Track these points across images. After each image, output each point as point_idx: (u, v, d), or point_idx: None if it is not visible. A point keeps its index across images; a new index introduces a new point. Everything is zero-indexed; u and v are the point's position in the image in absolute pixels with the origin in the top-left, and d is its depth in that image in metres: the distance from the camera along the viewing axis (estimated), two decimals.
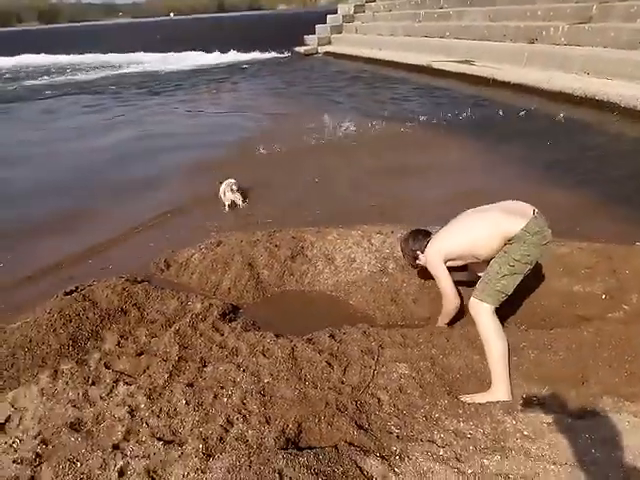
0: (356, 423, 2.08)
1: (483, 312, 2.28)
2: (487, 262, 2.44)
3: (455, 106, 8.97)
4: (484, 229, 2.37)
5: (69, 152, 7.63)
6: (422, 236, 2.72)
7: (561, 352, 2.39)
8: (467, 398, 2.20)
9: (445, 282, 2.54)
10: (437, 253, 2.53)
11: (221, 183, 4.89)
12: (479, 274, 2.64)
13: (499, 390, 2.16)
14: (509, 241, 2.29)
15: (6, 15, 76.87)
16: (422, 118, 8.20)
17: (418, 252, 2.71)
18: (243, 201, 4.91)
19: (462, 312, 2.69)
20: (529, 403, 2.13)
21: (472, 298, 2.34)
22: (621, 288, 2.90)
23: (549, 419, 2.02)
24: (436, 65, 12.68)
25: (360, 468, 1.84)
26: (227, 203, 4.85)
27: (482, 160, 5.94)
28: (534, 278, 3.04)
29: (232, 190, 4.79)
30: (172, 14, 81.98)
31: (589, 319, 2.69)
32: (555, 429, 1.97)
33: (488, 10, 14.20)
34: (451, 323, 2.75)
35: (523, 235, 2.24)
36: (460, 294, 2.62)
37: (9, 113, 11.55)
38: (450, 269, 2.58)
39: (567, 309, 2.82)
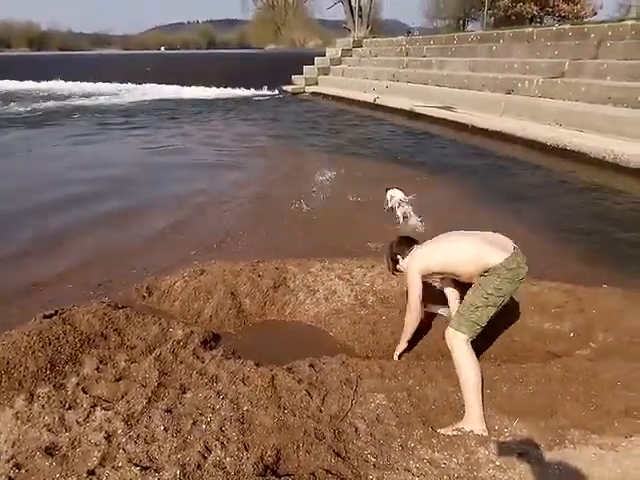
0: (334, 451, 2.11)
1: (458, 342, 2.36)
2: (461, 286, 2.55)
3: (433, 148, 9.34)
4: (467, 252, 2.45)
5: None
6: (406, 243, 2.78)
7: (531, 386, 2.48)
8: (442, 430, 2.25)
9: (414, 294, 2.59)
10: (417, 266, 2.59)
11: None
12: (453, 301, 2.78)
13: (472, 419, 2.22)
14: (485, 272, 2.39)
15: None
16: (399, 157, 8.50)
17: (399, 257, 2.76)
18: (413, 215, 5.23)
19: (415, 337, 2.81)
20: (501, 434, 2.20)
21: (448, 328, 2.43)
22: (588, 327, 3.03)
23: (520, 450, 2.09)
24: (418, 109, 13.18)
25: None
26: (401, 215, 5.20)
27: (464, 200, 6.17)
28: (508, 314, 3.16)
29: (401, 204, 5.19)
30: (163, 48, 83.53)
31: (558, 355, 2.81)
32: (525, 460, 2.04)
33: (468, 60, 14.95)
34: (409, 345, 2.82)
35: (499, 269, 2.35)
36: (421, 312, 2.73)
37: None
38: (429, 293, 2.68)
39: (538, 345, 2.93)
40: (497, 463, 2.03)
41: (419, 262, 2.60)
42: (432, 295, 3.13)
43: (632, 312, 3.15)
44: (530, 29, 14.10)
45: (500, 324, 3.07)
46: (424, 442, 2.16)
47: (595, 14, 39.86)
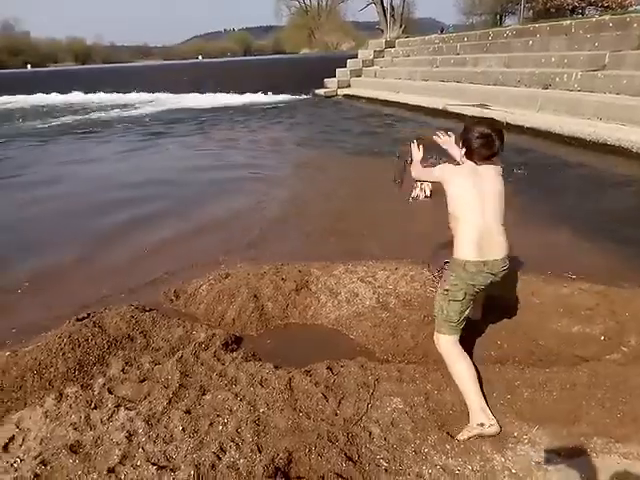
0: (346, 455, 2.11)
1: (442, 343, 2.41)
2: None
3: None
4: (465, 221, 2.35)
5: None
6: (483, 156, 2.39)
7: (555, 391, 2.39)
8: (459, 435, 2.21)
9: (429, 172, 2.66)
10: (443, 175, 2.50)
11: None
12: None
13: (475, 413, 2.20)
14: (446, 262, 2.45)
15: (44, 56, 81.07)
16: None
17: (463, 149, 2.45)
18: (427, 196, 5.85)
19: None
20: (519, 441, 2.14)
21: (434, 332, 2.48)
22: (620, 330, 2.90)
23: (538, 458, 2.03)
24: (451, 108, 12.96)
25: None
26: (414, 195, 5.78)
27: None
28: (533, 317, 3.08)
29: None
30: (200, 57, 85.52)
31: (587, 360, 2.69)
32: (543, 468, 1.97)
33: (504, 56, 14.59)
34: None
35: (456, 264, 2.35)
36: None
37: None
38: None
39: (565, 349, 2.82)
40: (513, 471, 1.98)
41: (449, 177, 2.45)
42: None
43: None
44: (568, 21, 13.62)
45: (524, 327, 3.00)
46: (438, 448, 2.13)
47: None
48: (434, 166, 2.66)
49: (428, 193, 5.86)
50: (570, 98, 10.32)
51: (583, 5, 38.90)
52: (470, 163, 2.42)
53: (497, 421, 2.20)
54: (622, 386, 2.38)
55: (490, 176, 2.41)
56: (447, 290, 2.38)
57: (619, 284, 3.57)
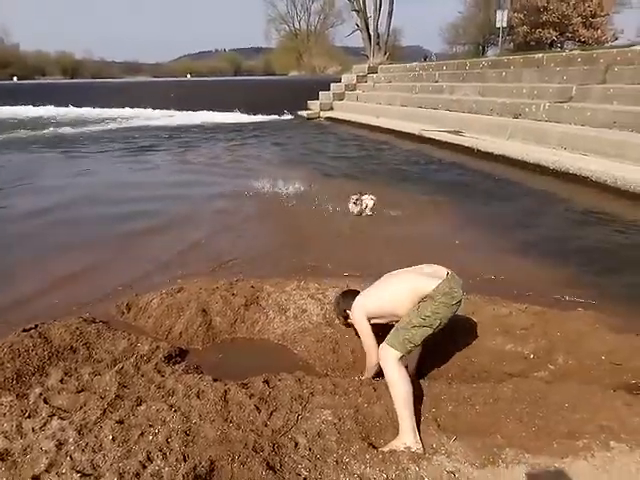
0: (268, 464, 2.16)
1: (390, 357, 2.41)
2: None
3: (434, 171, 9.42)
4: (401, 289, 2.56)
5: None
6: (351, 296, 2.86)
7: (478, 405, 2.48)
8: (382, 448, 2.28)
9: (366, 337, 2.67)
10: (360, 309, 2.70)
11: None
12: None
13: (404, 433, 2.25)
14: (423, 299, 2.46)
15: (32, 69, 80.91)
16: (395, 178, 8.59)
17: (348, 312, 2.84)
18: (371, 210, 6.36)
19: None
20: (437, 452, 2.21)
21: (382, 344, 2.49)
22: (550, 349, 3.02)
23: (451, 468, 2.11)
24: (426, 134, 13.30)
25: None
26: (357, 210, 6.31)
27: (456, 222, 6.19)
28: (469, 335, 3.19)
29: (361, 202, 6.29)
30: (189, 75, 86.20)
31: (514, 376, 2.79)
32: (454, 477, 2.05)
33: (479, 86, 15.07)
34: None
35: (434, 294, 2.43)
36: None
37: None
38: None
39: (495, 366, 2.93)
40: (426, 479, 2.05)
41: (360, 309, 2.71)
42: None
43: (597, 336, 3.13)
44: (540, 55, 14.16)
45: (459, 345, 3.10)
46: (359, 457, 2.19)
47: (616, 39, 39.80)
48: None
49: (370, 206, 6.38)
50: (538, 128, 10.69)
51: (562, 40, 40.50)
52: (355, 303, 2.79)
53: (421, 440, 2.27)
54: (541, 402, 2.48)
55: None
56: (427, 316, 2.42)
57: (560, 305, 3.72)
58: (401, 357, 2.42)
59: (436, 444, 2.26)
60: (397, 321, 2.62)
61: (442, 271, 2.54)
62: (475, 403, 2.51)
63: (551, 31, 38.82)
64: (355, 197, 6.33)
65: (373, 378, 2.82)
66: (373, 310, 2.67)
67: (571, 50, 14.78)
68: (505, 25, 23.34)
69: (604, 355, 2.93)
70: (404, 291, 2.52)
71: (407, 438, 2.23)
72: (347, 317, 2.88)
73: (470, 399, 2.54)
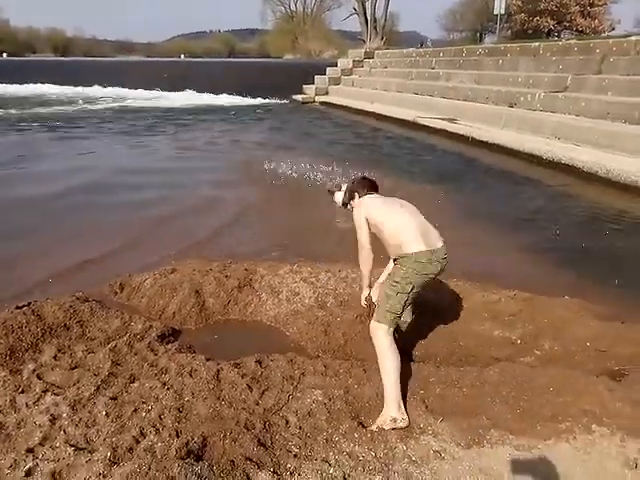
0: (259, 441, 2.21)
1: (378, 332, 2.47)
2: None
3: (427, 158, 9.44)
4: (397, 227, 2.55)
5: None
6: (367, 186, 2.85)
7: (465, 388, 2.55)
8: (371, 427, 2.34)
9: (362, 234, 2.68)
10: (361, 213, 2.70)
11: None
12: None
13: (389, 405, 2.32)
14: (398, 257, 2.52)
15: (23, 46, 79.40)
16: (389, 165, 8.61)
17: (355, 194, 2.85)
18: None
19: None
20: (424, 432, 2.27)
21: (371, 322, 2.55)
22: (537, 335, 3.09)
23: (438, 447, 2.17)
24: (421, 121, 13.28)
25: None
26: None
27: (449, 212, 6.23)
28: (458, 320, 3.25)
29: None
30: (182, 55, 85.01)
31: (501, 360, 2.86)
32: (440, 456, 2.11)
33: (475, 73, 15.02)
34: None
35: (408, 258, 2.45)
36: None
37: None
38: None
39: (483, 351, 3.00)
40: (413, 458, 2.11)
41: (365, 210, 2.70)
42: None
43: (583, 322, 3.20)
44: (537, 43, 14.12)
45: (448, 329, 3.16)
46: (348, 436, 2.24)
47: (613, 29, 39.75)
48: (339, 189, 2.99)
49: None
50: (532, 117, 10.71)
51: (559, 29, 40.38)
52: (367, 197, 2.79)
53: (408, 415, 2.33)
54: (527, 385, 2.55)
55: (390, 198, 2.81)
56: (397, 282, 2.46)
57: (548, 292, 3.79)
58: (390, 330, 2.48)
59: (424, 424, 2.32)
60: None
61: (435, 241, 2.52)
62: (462, 386, 2.57)
63: (549, 19, 38.66)
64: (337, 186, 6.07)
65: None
66: (370, 219, 2.67)
67: (568, 39, 14.77)
68: (503, 12, 23.15)
69: (589, 341, 3.00)
70: (398, 233, 2.53)
71: (392, 411, 2.30)
72: (352, 198, 2.88)
73: (458, 382, 2.60)
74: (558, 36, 36.99)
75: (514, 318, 3.28)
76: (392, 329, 2.50)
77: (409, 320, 3.15)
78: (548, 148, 8.84)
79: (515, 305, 3.43)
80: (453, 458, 2.10)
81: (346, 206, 2.99)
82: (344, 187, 2.98)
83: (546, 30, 39.32)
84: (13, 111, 17.17)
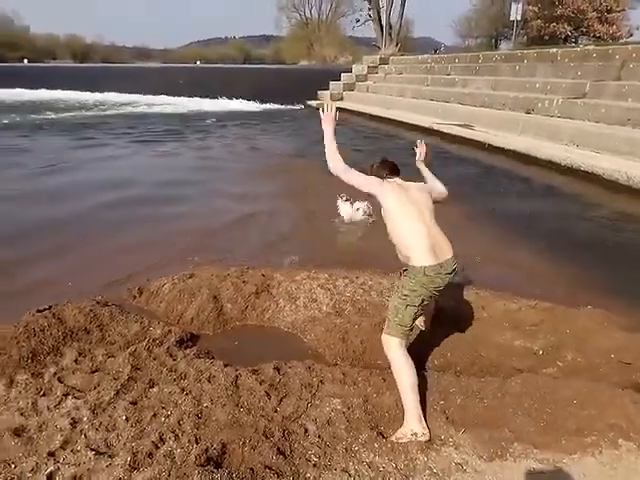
0: (278, 449, 2.19)
1: (391, 345, 2.44)
2: None
3: (443, 165, 9.40)
4: (409, 234, 2.46)
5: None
6: (388, 169, 2.72)
7: (486, 399, 2.51)
8: (390, 438, 2.31)
9: (358, 179, 2.57)
10: (378, 187, 2.55)
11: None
12: None
13: (410, 419, 2.29)
14: (405, 269, 2.48)
15: (43, 52, 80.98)
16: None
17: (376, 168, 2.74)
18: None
19: None
20: (445, 443, 2.24)
21: (382, 335, 2.52)
22: (559, 346, 3.03)
23: (459, 459, 2.14)
24: (437, 127, 13.23)
25: None
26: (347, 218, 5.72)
27: (465, 220, 6.17)
28: (478, 330, 3.21)
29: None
30: (198, 61, 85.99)
31: (523, 371, 2.81)
32: (462, 469, 2.08)
33: (491, 79, 14.94)
34: None
35: (416, 271, 2.40)
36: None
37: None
38: None
39: (504, 361, 2.95)
40: (434, 470, 2.08)
41: (385, 193, 2.54)
42: None
43: (607, 334, 3.14)
44: (555, 49, 14.01)
45: (468, 339, 3.12)
46: (368, 446, 2.22)
47: (631, 35, 39.26)
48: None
49: (367, 211, 5.62)
50: (550, 123, 10.61)
51: (576, 35, 39.99)
52: (390, 180, 2.64)
53: (429, 429, 2.30)
54: (550, 397, 2.50)
55: (412, 186, 2.66)
56: (406, 295, 2.43)
57: (569, 303, 3.73)
58: (403, 342, 2.45)
59: (444, 436, 2.29)
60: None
61: (444, 253, 2.46)
62: (483, 397, 2.53)
63: (565, 25, 38.30)
64: (345, 198, 5.76)
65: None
66: (384, 211, 2.55)
67: (586, 45, 14.59)
68: (519, 18, 23.00)
69: (613, 353, 2.94)
70: (408, 240, 2.46)
71: (413, 424, 2.26)
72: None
73: (479, 392, 2.56)
74: (575, 42, 36.57)
75: (535, 328, 3.22)
76: (405, 341, 2.47)
77: (428, 327, 3.14)
78: (566, 155, 8.73)
79: (536, 315, 3.37)
80: (475, 471, 2.07)
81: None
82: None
83: (563, 36, 38.98)
84: (33, 116, 17.51)
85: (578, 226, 6.02)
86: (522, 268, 4.64)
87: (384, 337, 2.49)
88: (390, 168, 2.75)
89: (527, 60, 14.54)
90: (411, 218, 2.48)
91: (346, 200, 5.73)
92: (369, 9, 31.07)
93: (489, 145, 10.84)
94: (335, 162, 2.61)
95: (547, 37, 38.42)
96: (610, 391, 2.53)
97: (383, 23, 29.76)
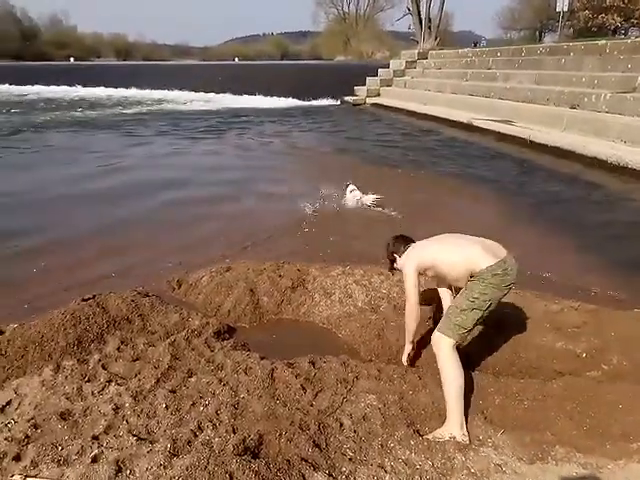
0: (314, 442, 2.21)
1: (443, 345, 2.37)
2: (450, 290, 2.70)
3: (483, 161, 9.18)
4: (455, 254, 2.49)
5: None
6: (403, 241, 2.78)
7: (526, 401, 2.45)
8: (427, 435, 2.29)
9: (410, 285, 2.58)
10: (412, 264, 2.60)
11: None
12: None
13: (452, 423, 2.24)
14: (472, 277, 2.41)
15: (88, 50, 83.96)
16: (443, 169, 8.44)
17: (396, 255, 2.78)
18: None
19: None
20: (483, 444, 2.20)
21: (435, 331, 2.46)
22: (603, 349, 2.92)
23: (498, 460, 2.09)
24: (476, 122, 12.94)
25: None
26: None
27: (506, 218, 6.03)
28: (517, 330, 3.12)
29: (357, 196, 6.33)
30: (237, 59, 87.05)
31: (565, 374, 2.73)
32: (501, 470, 2.04)
33: (534, 73, 14.47)
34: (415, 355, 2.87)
35: (484, 273, 2.35)
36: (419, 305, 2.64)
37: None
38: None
39: (545, 363, 2.86)
40: (472, 470, 2.05)
41: (414, 260, 2.61)
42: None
43: None
44: (603, 41, 13.42)
45: (508, 339, 3.05)
46: (404, 443, 2.21)
47: None
48: None
49: (367, 202, 6.26)
50: (597, 119, 10.18)
51: (626, 26, 38.24)
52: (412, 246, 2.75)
53: (468, 433, 2.26)
54: (593, 402, 2.41)
55: (436, 236, 2.76)
56: (476, 298, 2.37)
57: (614, 304, 3.59)
58: (455, 345, 2.39)
59: (482, 436, 2.25)
60: (445, 285, 2.70)
61: (501, 251, 2.44)
62: (523, 398, 2.47)
63: (615, 16, 36.64)
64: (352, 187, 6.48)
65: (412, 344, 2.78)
66: (426, 264, 2.59)
67: (637, 37, 13.93)
68: (566, 9, 22.14)
69: None
70: (460, 259, 2.46)
71: (454, 428, 2.22)
72: (394, 261, 2.81)
73: (518, 394, 2.50)
74: (625, 34, 34.99)
75: (578, 330, 3.11)
76: (458, 344, 2.42)
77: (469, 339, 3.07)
78: (613, 152, 8.38)
79: (579, 317, 3.26)
80: (515, 473, 2.02)
81: (393, 272, 2.96)
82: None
83: (612, 28, 37.34)
84: (92, 113, 18.20)
85: (626, 227, 5.76)
86: (566, 269, 4.49)
87: (436, 335, 2.43)
88: (404, 240, 2.82)
89: (573, 53, 14.00)
90: (452, 245, 2.58)
91: (352, 190, 6.44)
92: (410, 3, 30.55)
93: (532, 141, 10.52)
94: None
95: (595, 29, 36.88)
96: None
97: (422, 17, 29.28)
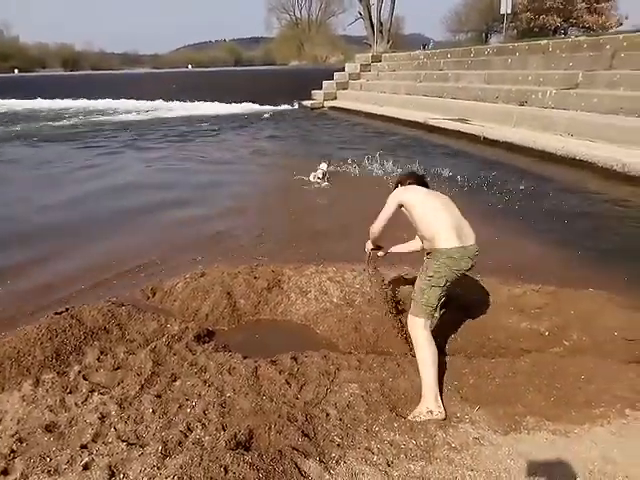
0: (303, 432, 2.29)
1: (415, 325, 2.55)
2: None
3: (437, 158, 9.49)
4: (430, 216, 2.65)
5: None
6: (413, 178, 2.99)
7: (498, 378, 2.61)
8: (408, 417, 2.41)
9: (386, 210, 2.82)
10: (400, 195, 2.80)
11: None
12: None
13: (427, 397, 2.40)
14: (429, 254, 2.63)
15: (33, 61, 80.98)
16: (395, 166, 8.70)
17: (400, 184, 2.99)
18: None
19: None
20: (461, 420, 2.34)
21: (408, 315, 2.64)
22: (564, 326, 3.14)
23: (476, 434, 2.24)
24: (432, 122, 13.35)
25: (299, 468, 2.05)
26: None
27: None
28: (486, 314, 3.32)
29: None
30: (190, 66, 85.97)
31: (530, 352, 2.92)
32: (479, 443, 2.18)
33: (484, 73, 15.06)
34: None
35: (440, 253, 2.53)
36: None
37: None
38: None
39: (512, 343, 3.06)
40: (453, 445, 2.18)
41: (401, 195, 2.79)
42: None
43: (609, 313, 3.24)
44: (545, 41, 14.14)
45: (476, 323, 3.23)
46: (388, 426, 2.32)
47: (620, 24, 39.51)
48: None
49: (320, 175, 7.68)
50: (544, 115, 10.73)
51: (565, 26, 40.22)
52: (412, 186, 2.91)
53: (444, 407, 2.40)
54: (558, 374, 2.61)
55: (433, 191, 2.90)
56: (431, 276, 2.54)
57: (572, 285, 3.84)
58: (427, 323, 2.55)
59: (460, 413, 2.39)
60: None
61: (468, 239, 2.59)
62: (495, 376, 2.64)
63: (555, 17, 38.54)
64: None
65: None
66: (406, 206, 2.75)
67: (577, 36, 14.74)
68: (510, 12, 23.09)
69: (617, 331, 3.05)
70: (431, 221, 2.63)
71: (430, 402, 2.38)
72: (396, 186, 3.02)
73: (490, 372, 2.67)
74: (565, 34, 36.79)
75: (540, 311, 3.33)
76: (429, 322, 2.57)
77: (438, 316, 3.23)
78: (561, 145, 8.86)
79: (540, 298, 3.48)
80: (492, 444, 2.17)
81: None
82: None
83: (552, 28, 39.20)
84: (35, 125, 17.56)
85: (576, 213, 6.13)
86: (524, 255, 4.76)
87: (410, 318, 2.61)
88: (414, 178, 3.00)
89: (519, 53, 14.67)
90: (437, 209, 2.67)
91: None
92: (361, 7, 31.11)
93: (484, 138, 10.97)
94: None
95: (537, 29, 38.66)
96: (615, 366, 2.65)
97: (374, 21, 29.91)
